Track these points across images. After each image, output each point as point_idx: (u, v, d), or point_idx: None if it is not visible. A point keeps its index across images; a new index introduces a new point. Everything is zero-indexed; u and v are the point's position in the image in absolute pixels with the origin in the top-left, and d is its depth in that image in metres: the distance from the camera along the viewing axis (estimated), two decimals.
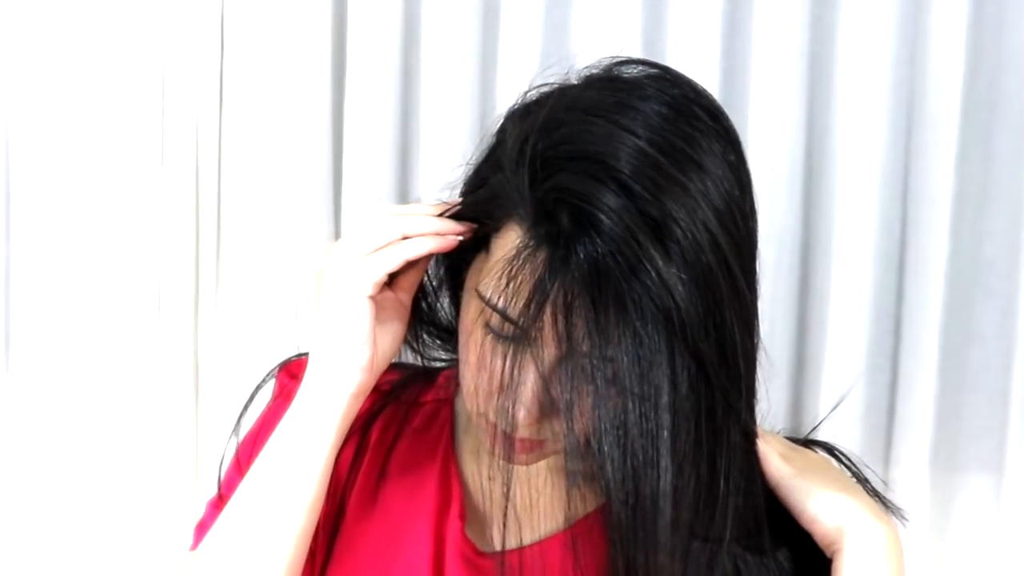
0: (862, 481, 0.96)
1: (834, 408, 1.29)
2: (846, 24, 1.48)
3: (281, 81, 1.56)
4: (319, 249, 1.55)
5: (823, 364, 1.52)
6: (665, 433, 0.77)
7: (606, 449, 0.77)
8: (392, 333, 0.90)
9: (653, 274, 0.76)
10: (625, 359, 0.76)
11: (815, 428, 1.02)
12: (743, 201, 0.83)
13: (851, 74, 1.49)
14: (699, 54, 1.49)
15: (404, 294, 0.90)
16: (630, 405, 0.77)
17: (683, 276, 0.76)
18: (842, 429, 1.46)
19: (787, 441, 0.95)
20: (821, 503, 0.88)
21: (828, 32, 1.50)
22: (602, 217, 0.76)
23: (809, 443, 0.99)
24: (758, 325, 0.86)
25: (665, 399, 0.77)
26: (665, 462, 0.77)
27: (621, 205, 0.76)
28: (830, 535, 0.88)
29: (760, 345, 0.87)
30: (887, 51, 1.48)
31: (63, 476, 1.64)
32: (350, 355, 0.86)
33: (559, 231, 0.77)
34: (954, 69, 1.45)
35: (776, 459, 0.90)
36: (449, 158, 1.50)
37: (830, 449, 0.98)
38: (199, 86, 1.57)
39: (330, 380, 0.86)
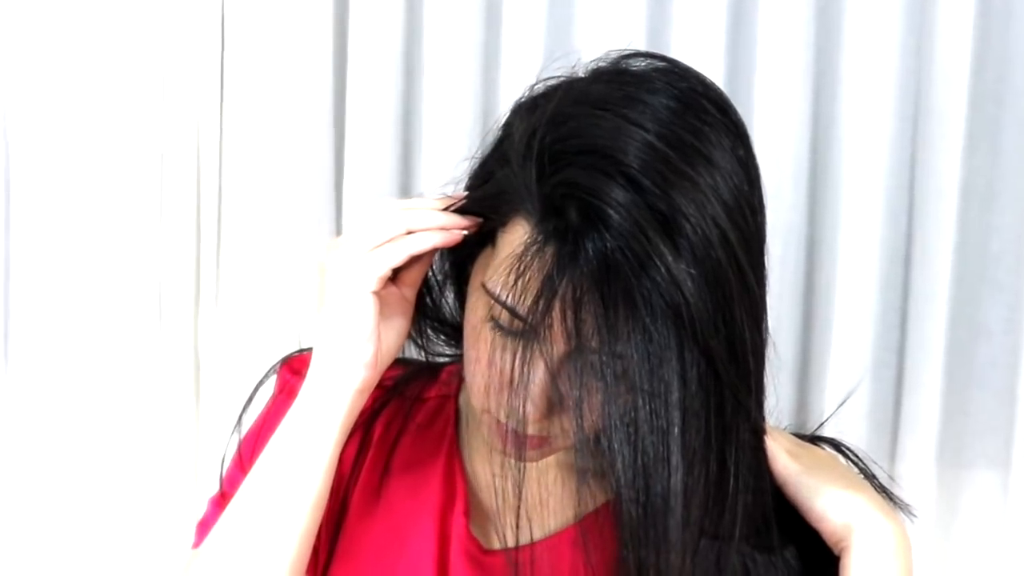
0: (869, 477, 0.95)
1: (841, 404, 1.29)
2: (852, 15, 1.48)
3: (282, 77, 1.55)
4: (321, 245, 1.55)
5: (828, 359, 1.52)
6: (675, 430, 0.77)
7: (616, 446, 0.77)
8: (396, 329, 0.89)
9: (662, 270, 0.75)
10: (635, 355, 0.76)
11: (822, 424, 1.01)
12: (752, 196, 0.82)
13: (857, 66, 1.48)
14: (704, 48, 1.48)
15: (408, 289, 0.89)
16: (640, 402, 0.76)
17: (692, 272, 0.76)
18: (848, 425, 1.45)
19: (794, 438, 0.95)
20: (829, 500, 0.88)
21: (834, 23, 1.49)
22: (611, 212, 0.75)
23: (816, 439, 0.98)
24: (767, 321, 0.85)
25: (675, 396, 0.77)
26: (676, 459, 0.77)
27: (630, 200, 0.75)
28: (838, 532, 0.88)
29: (769, 341, 0.86)
30: (894, 42, 1.47)
31: (63, 474, 1.63)
32: (354, 351, 0.85)
33: (567, 226, 0.77)
34: (961, 61, 1.45)
35: (784, 456, 0.90)
36: (451, 155, 1.50)
37: (837, 445, 0.98)
38: (199, 82, 1.56)
39: (334, 376, 0.86)
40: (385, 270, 0.84)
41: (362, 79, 1.54)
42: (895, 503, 0.93)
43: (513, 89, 1.43)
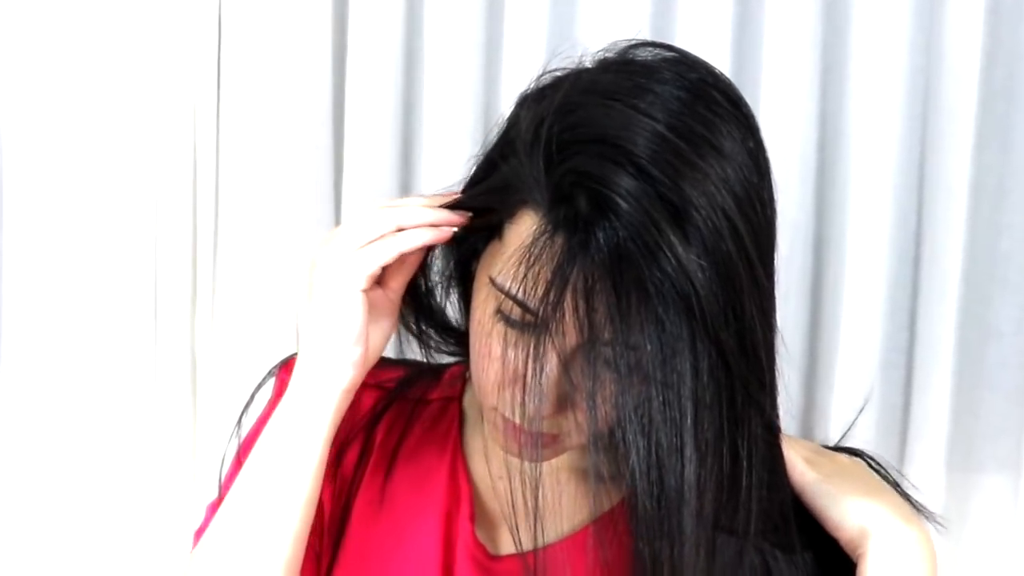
0: (894, 485, 0.95)
1: (858, 414, 1.28)
2: (860, 11, 1.46)
3: (280, 74, 1.53)
4: (314, 241, 1.53)
5: (836, 360, 1.50)
6: (688, 422, 0.76)
7: (630, 438, 0.76)
8: (382, 329, 0.89)
9: (673, 260, 0.75)
10: (648, 346, 0.75)
11: (846, 433, 1.01)
12: (762, 188, 0.82)
13: (865, 63, 1.47)
14: (710, 45, 1.47)
15: (394, 291, 0.89)
16: (653, 392, 0.76)
17: (703, 263, 0.75)
18: (855, 427, 1.44)
19: (814, 445, 0.96)
20: (845, 507, 0.88)
21: (842, 20, 1.47)
22: (620, 201, 0.74)
23: (839, 448, 0.98)
24: (776, 317, 0.85)
25: (688, 387, 0.76)
26: (689, 451, 0.77)
27: (639, 189, 0.75)
28: (854, 539, 0.88)
29: (779, 337, 0.85)
30: (902, 39, 1.46)
31: (56, 477, 1.62)
32: (342, 351, 0.85)
33: (577, 215, 0.76)
34: (971, 58, 1.43)
35: (801, 464, 0.90)
36: (452, 153, 1.49)
37: (858, 453, 0.98)
38: (196, 77, 1.55)
39: (321, 376, 0.86)
40: (374, 268, 0.84)
41: (362, 75, 1.52)
42: (920, 511, 0.92)
43: (515, 86, 1.41)
